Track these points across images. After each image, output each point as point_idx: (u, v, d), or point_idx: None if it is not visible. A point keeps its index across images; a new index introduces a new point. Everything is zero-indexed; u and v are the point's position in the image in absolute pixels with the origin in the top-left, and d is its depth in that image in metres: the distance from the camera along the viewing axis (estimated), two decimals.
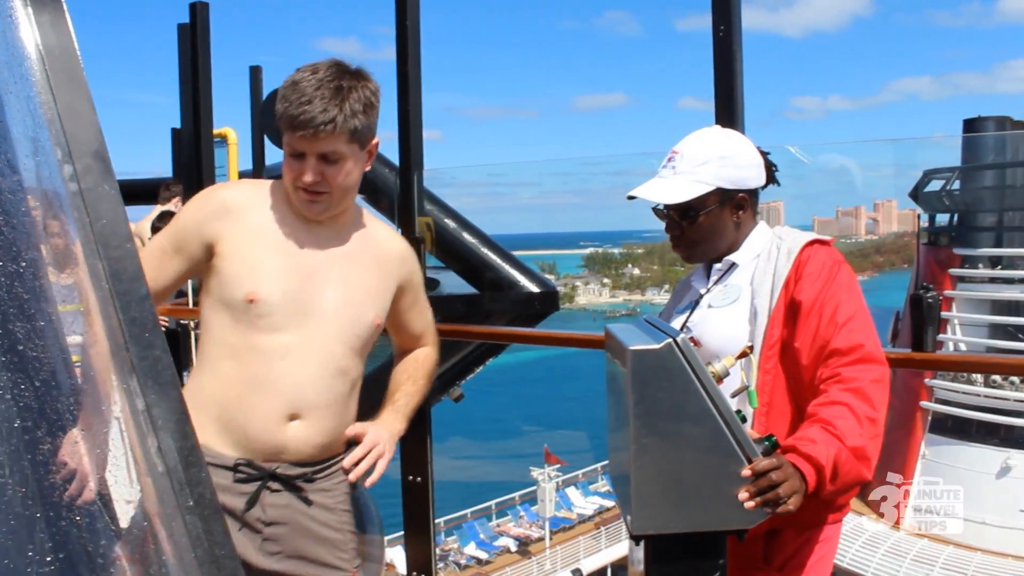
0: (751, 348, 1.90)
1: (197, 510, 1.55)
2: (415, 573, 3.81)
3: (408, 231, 3.64)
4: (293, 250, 2.00)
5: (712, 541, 1.72)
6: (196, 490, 1.55)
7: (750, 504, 1.65)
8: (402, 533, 3.97)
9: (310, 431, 1.99)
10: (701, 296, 2.15)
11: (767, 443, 1.72)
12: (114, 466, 1.67)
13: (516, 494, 30.22)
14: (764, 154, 2.18)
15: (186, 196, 5.42)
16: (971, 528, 22.45)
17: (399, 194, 3.68)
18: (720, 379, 1.80)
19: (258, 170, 6.83)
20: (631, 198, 2.13)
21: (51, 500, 1.56)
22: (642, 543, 1.74)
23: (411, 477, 3.67)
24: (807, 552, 2.02)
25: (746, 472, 1.66)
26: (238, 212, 2.00)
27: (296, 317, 1.96)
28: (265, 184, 2.10)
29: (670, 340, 1.66)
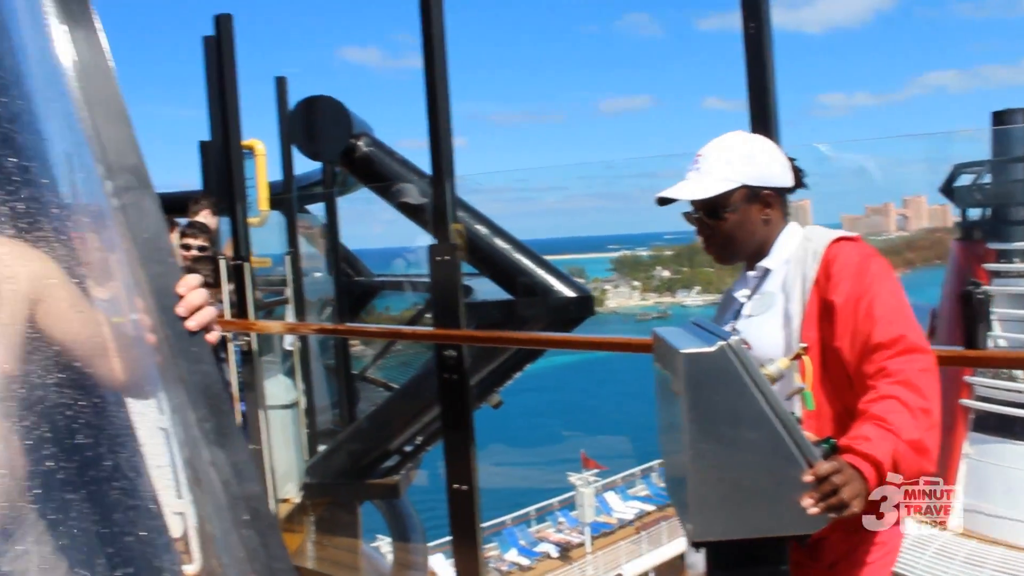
0: (805, 349, 1.85)
1: (253, 524, 1.53)
2: None
3: (443, 238, 3.62)
4: None
5: (775, 547, 1.68)
6: (251, 504, 1.54)
7: (814, 510, 1.61)
8: (442, 540, 3.96)
9: None
10: (741, 306, 2.17)
11: (826, 446, 1.68)
12: (167, 479, 1.66)
13: (555, 499, 30.11)
14: (790, 159, 2.19)
15: (217, 208, 5.43)
16: (1020, 528, 22.13)
17: (432, 203, 3.66)
18: (774, 381, 1.76)
19: (288, 180, 6.85)
20: (661, 200, 2.15)
21: (111, 515, 1.55)
22: (703, 550, 1.70)
23: (457, 485, 3.64)
24: (862, 552, 1.98)
25: (808, 477, 1.61)
26: None
27: None
28: None
29: (723, 343, 1.62)
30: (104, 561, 1.58)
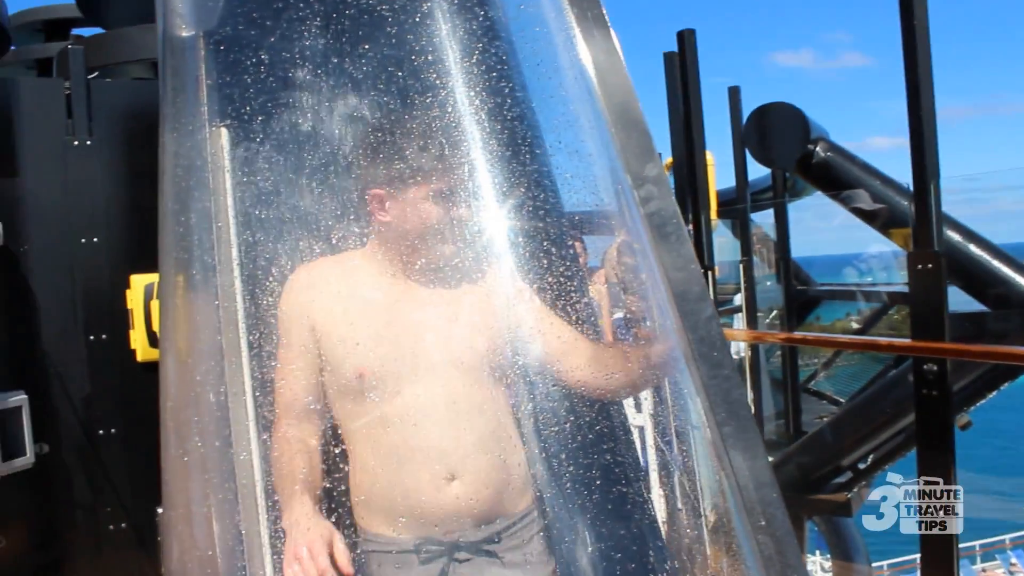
0: None
1: (769, 531, 1.55)
2: None
3: (925, 246, 3.43)
4: None
5: None
6: (768, 511, 1.56)
7: None
8: (886, 562, 3.74)
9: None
10: None
11: None
12: (687, 484, 1.74)
13: (1007, 536, 27.18)
14: None
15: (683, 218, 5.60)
16: None
17: (915, 208, 3.49)
18: None
19: (741, 190, 6.89)
20: None
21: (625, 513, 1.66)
22: None
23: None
24: None
25: None
26: None
27: None
28: None
29: None
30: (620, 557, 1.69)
